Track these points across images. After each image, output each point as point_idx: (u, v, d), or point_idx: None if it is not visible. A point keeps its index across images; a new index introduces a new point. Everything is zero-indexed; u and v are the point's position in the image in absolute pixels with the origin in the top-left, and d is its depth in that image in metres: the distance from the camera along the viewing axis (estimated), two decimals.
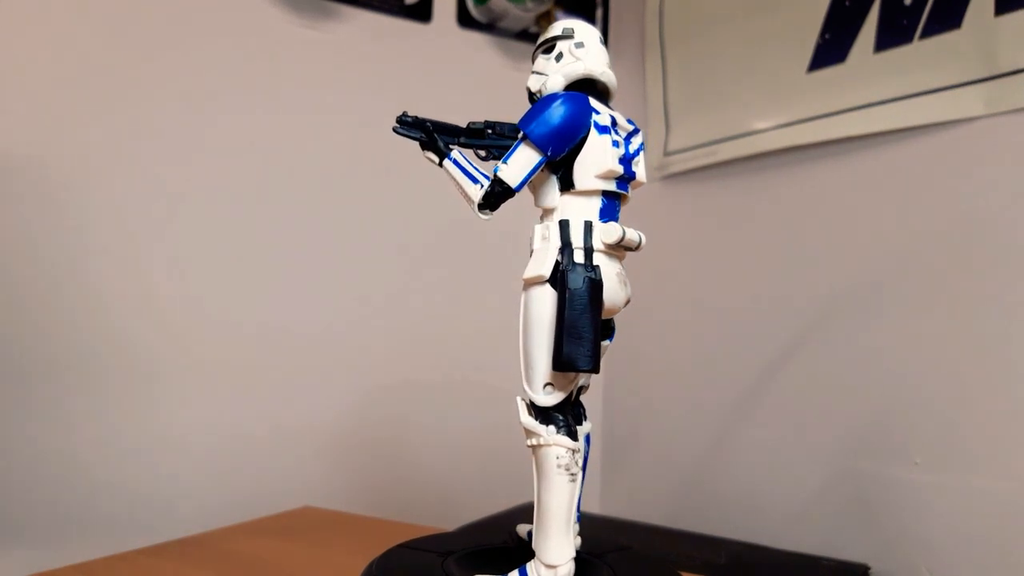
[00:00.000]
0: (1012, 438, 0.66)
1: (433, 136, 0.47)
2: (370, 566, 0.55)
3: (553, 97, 0.46)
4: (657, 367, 0.98)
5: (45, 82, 0.70)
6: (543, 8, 0.95)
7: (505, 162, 0.45)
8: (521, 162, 0.45)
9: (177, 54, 0.76)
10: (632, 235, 0.46)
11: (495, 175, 0.45)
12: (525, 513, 0.55)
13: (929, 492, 0.71)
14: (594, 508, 0.84)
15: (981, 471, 0.68)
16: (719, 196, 0.93)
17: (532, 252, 0.47)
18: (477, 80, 0.93)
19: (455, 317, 0.92)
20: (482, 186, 0.45)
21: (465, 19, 0.95)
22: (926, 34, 0.73)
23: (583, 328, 0.43)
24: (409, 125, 0.47)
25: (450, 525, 0.67)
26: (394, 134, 0.48)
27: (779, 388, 0.85)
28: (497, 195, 0.45)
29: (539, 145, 0.45)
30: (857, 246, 0.78)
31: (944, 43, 0.71)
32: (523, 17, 0.95)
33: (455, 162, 0.47)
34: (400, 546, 0.59)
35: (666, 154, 0.97)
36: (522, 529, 0.54)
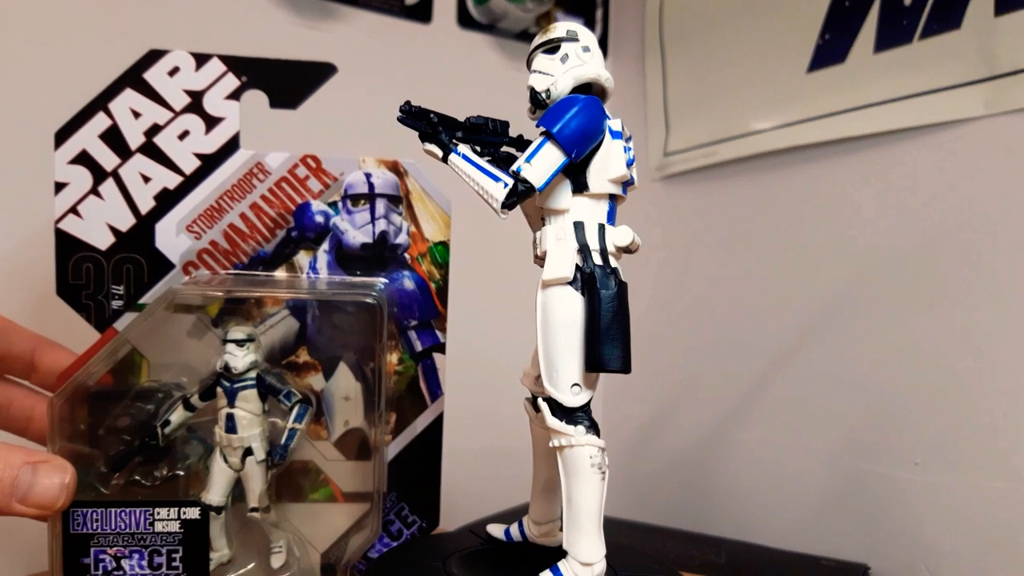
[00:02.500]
0: (1012, 438, 0.66)
1: (436, 128, 0.46)
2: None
3: (574, 99, 0.46)
4: (656, 367, 0.98)
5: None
6: (543, 8, 0.95)
7: (528, 161, 0.44)
8: (546, 162, 0.45)
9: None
10: (637, 238, 0.47)
11: (518, 174, 0.44)
12: (526, 513, 0.55)
13: (929, 492, 0.71)
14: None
15: (981, 471, 0.68)
16: (719, 196, 0.92)
17: (544, 253, 0.47)
18: (477, 80, 0.93)
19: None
20: (506, 185, 0.44)
21: (465, 20, 0.94)
22: (926, 34, 0.73)
23: (617, 330, 0.44)
24: (413, 115, 0.47)
25: (450, 525, 0.67)
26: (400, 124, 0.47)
27: (779, 388, 0.85)
28: (520, 194, 0.44)
29: (565, 146, 0.45)
30: (857, 246, 0.78)
31: (944, 43, 0.71)
32: (523, 17, 0.94)
33: (466, 158, 0.46)
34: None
35: (666, 154, 0.97)
36: (494, 529, 0.54)
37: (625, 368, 0.44)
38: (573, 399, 0.45)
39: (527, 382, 0.51)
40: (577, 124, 0.45)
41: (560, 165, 0.45)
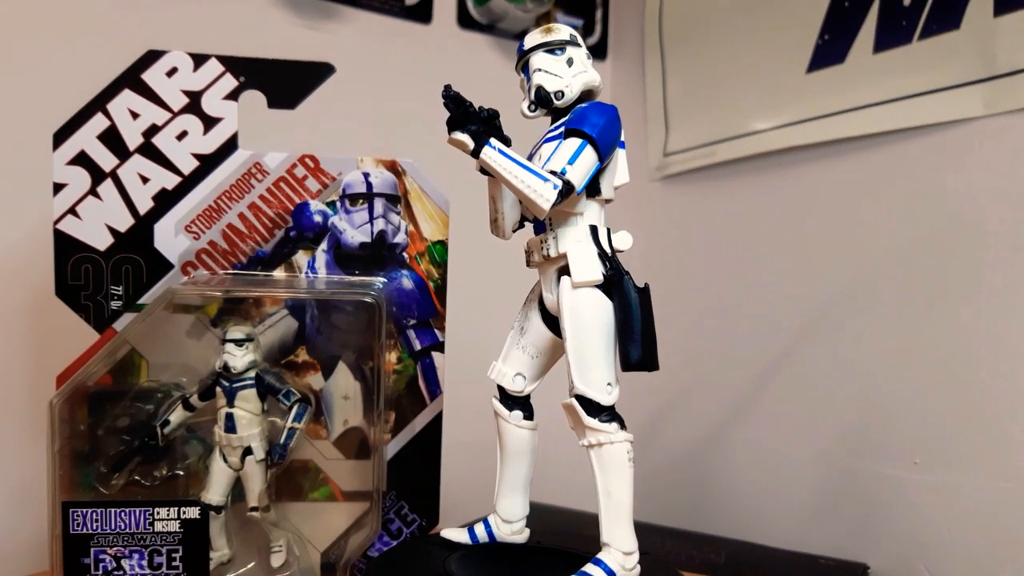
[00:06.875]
0: (1011, 438, 0.66)
1: (471, 118, 0.45)
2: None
3: (604, 107, 0.47)
4: None
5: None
6: (543, 9, 0.95)
7: (571, 163, 0.45)
8: (586, 165, 0.45)
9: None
10: None
11: (563, 175, 0.44)
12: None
13: (929, 492, 0.71)
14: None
15: (981, 471, 0.68)
16: (718, 197, 0.92)
17: (561, 254, 0.47)
18: (477, 80, 0.93)
19: None
20: (555, 186, 0.44)
21: (465, 20, 0.94)
22: (925, 34, 0.72)
23: (649, 331, 0.45)
24: (453, 100, 0.45)
25: (450, 523, 0.67)
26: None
27: (779, 388, 0.85)
28: (564, 195, 0.45)
29: (602, 152, 0.46)
30: (856, 246, 0.78)
31: (943, 43, 0.71)
32: (523, 18, 0.94)
33: (505, 153, 0.45)
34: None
35: (665, 155, 0.97)
36: (452, 533, 0.54)
37: (657, 366, 0.45)
38: (608, 397, 0.46)
39: (505, 381, 0.51)
40: (611, 132, 0.46)
41: (595, 169, 0.46)
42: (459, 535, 0.53)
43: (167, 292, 0.55)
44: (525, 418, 0.51)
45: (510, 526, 0.53)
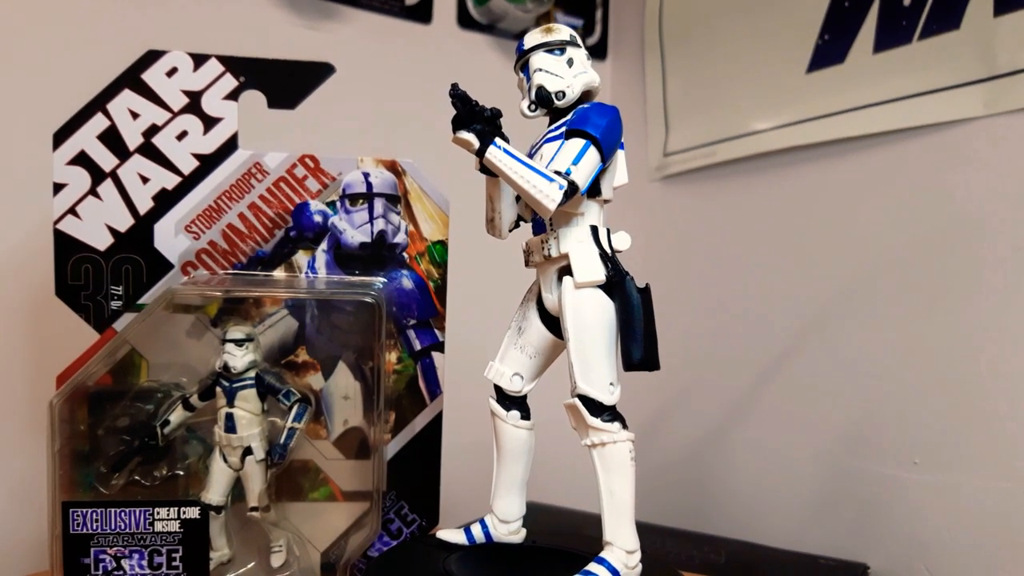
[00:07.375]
0: (1011, 438, 0.66)
1: (472, 116, 0.45)
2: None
3: (607, 108, 0.47)
4: None
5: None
6: (543, 9, 0.95)
7: (575, 163, 0.45)
8: (590, 165, 0.45)
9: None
10: None
11: (568, 175, 0.44)
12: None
13: (929, 492, 0.71)
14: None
15: (981, 471, 0.68)
16: (718, 197, 0.92)
17: (563, 254, 0.47)
18: (477, 80, 0.93)
19: None
20: (561, 186, 0.44)
21: (465, 20, 0.94)
22: (925, 34, 0.72)
23: (651, 332, 0.46)
24: (460, 99, 0.45)
25: (450, 523, 0.67)
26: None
27: (779, 387, 0.85)
28: (569, 195, 0.45)
29: (605, 152, 0.46)
30: (856, 246, 0.78)
31: (943, 43, 0.71)
32: (523, 18, 0.95)
33: (510, 153, 0.45)
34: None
35: (665, 155, 0.97)
36: (448, 534, 0.54)
37: (658, 366, 0.46)
38: (610, 397, 0.46)
39: (503, 381, 0.51)
40: (613, 133, 0.46)
41: (597, 170, 0.46)
42: (455, 536, 0.53)
43: (167, 292, 0.55)
44: (522, 418, 0.52)
45: (507, 526, 0.53)
